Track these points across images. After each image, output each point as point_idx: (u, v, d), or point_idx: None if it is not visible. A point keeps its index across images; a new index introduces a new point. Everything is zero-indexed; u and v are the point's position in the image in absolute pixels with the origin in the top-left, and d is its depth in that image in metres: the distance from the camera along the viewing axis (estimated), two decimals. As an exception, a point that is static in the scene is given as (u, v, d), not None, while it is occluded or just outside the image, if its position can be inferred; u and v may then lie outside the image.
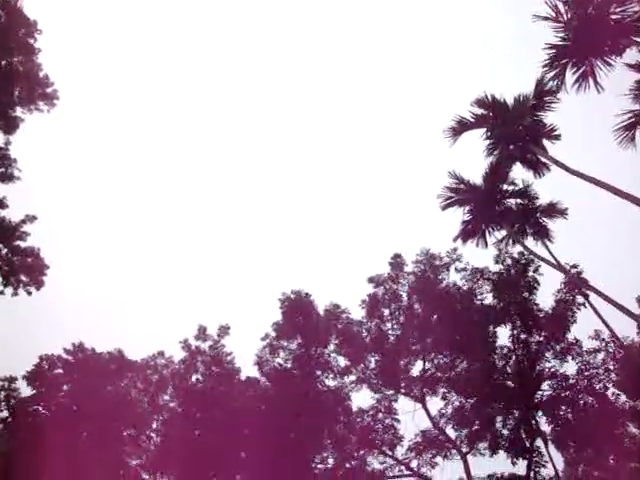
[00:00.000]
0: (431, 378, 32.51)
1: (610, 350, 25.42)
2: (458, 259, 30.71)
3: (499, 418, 30.19)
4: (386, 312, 34.19)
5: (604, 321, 26.67)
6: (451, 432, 31.68)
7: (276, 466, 28.01)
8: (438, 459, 30.72)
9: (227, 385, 29.08)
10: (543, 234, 31.39)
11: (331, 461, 31.68)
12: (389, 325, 34.49)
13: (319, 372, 32.43)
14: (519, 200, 31.15)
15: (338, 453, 30.94)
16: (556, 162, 26.49)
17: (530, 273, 28.34)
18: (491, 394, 30.18)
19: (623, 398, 26.65)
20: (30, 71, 30.22)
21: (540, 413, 29.62)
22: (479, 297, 29.51)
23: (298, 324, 31.21)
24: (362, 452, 30.63)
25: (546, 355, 27.82)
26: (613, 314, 26.97)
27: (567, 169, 25.50)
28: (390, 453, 31.02)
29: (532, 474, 28.07)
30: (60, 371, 31.15)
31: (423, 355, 33.23)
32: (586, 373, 26.05)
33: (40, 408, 29.79)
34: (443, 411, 31.61)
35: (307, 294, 31.50)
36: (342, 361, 33.77)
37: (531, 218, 31.94)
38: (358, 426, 30.73)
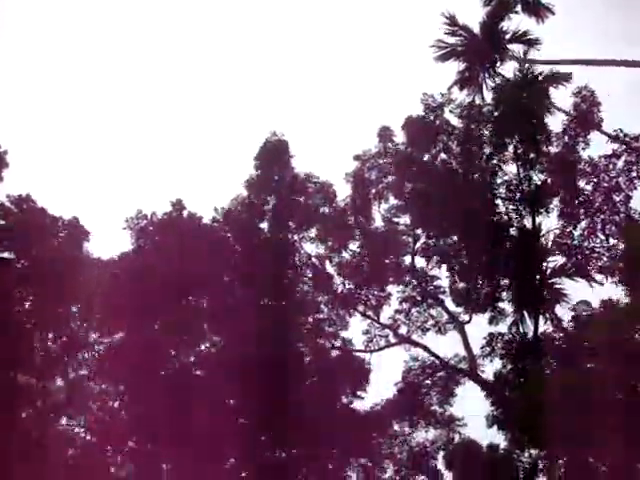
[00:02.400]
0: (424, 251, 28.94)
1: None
2: (453, 101, 27.45)
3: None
4: (373, 191, 30.96)
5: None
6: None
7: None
8: (430, 324, 26.93)
9: (189, 224, 25.15)
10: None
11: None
12: (376, 206, 31.21)
13: (297, 238, 28.78)
14: (520, 47, 28.37)
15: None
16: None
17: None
18: (492, 267, 26.87)
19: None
20: None
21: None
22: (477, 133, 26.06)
23: (273, 178, 27.54)
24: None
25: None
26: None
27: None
28: (375, 317, 27.18)
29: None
30: (2, 222, 27.33)
31: (414, 231, 29.77)
32: (604, 185, 22.37)
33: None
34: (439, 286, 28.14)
35: (285, 141, 27.90)
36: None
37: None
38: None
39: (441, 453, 28.74)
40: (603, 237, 23.22)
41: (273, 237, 26.65)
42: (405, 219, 30.80)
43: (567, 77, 29.25)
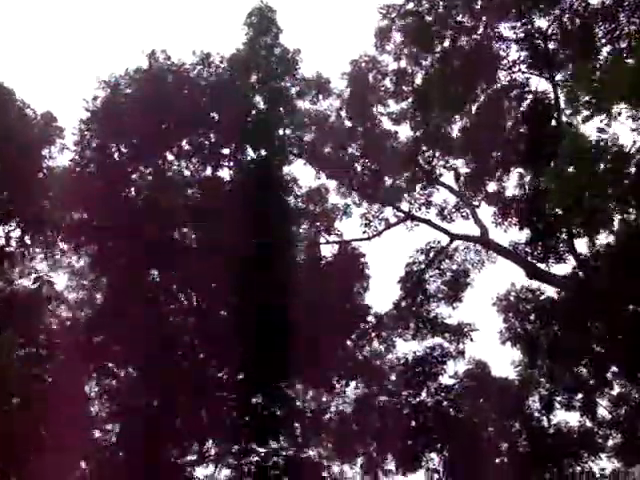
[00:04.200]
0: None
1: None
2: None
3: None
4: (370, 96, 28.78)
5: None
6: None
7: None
8: (435, 199, 24.37)
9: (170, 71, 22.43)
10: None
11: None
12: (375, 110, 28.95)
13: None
14: None
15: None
16: None
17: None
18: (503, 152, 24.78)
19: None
20: None
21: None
22: None
23: (260, 48, 24.95)
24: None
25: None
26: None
27: None
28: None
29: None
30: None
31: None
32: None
33: None
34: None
35: (274, 9, 25.28)
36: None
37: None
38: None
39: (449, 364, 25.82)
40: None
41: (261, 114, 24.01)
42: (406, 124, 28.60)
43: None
